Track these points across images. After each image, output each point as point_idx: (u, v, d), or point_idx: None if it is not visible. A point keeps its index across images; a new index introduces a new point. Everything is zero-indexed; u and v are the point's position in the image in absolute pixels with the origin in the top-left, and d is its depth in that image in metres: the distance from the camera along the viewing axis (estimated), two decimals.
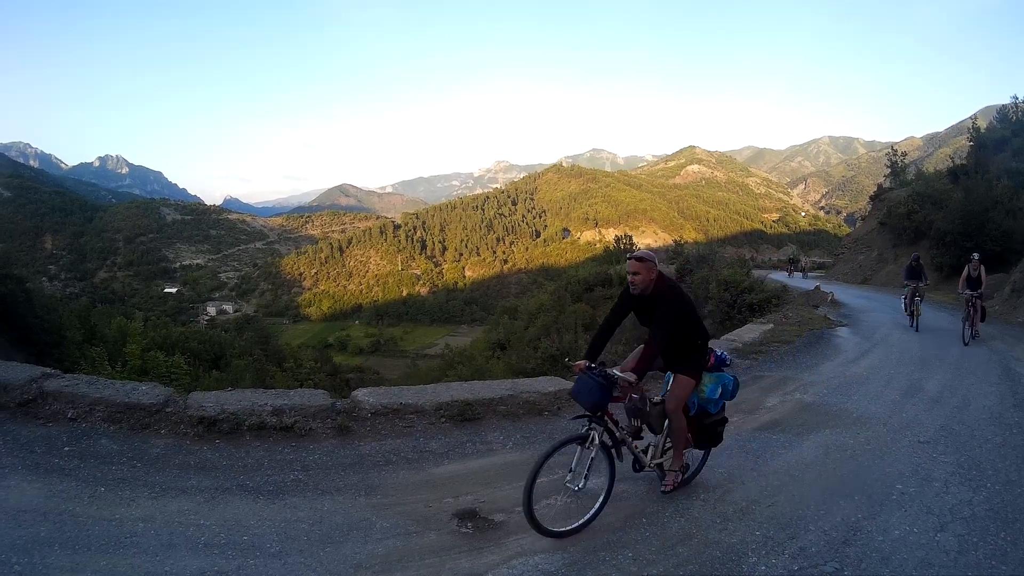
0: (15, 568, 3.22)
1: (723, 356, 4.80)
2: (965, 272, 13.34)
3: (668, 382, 4.71)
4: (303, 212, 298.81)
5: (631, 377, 4.11)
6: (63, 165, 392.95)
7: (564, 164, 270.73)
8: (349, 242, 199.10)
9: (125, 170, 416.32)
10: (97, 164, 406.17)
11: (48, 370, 5.81)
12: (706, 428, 4.71)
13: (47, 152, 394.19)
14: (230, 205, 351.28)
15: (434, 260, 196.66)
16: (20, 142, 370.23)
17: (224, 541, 3.74)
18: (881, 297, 21.99)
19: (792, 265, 37.87)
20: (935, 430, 6.53)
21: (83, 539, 3.58)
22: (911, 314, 14.77)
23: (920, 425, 6.72)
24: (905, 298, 15.29)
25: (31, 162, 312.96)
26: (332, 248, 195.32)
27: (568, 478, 4.10)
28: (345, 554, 3.71)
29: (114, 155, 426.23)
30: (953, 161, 37.35)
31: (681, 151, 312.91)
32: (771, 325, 13.47)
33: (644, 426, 4.64)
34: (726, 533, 4.15)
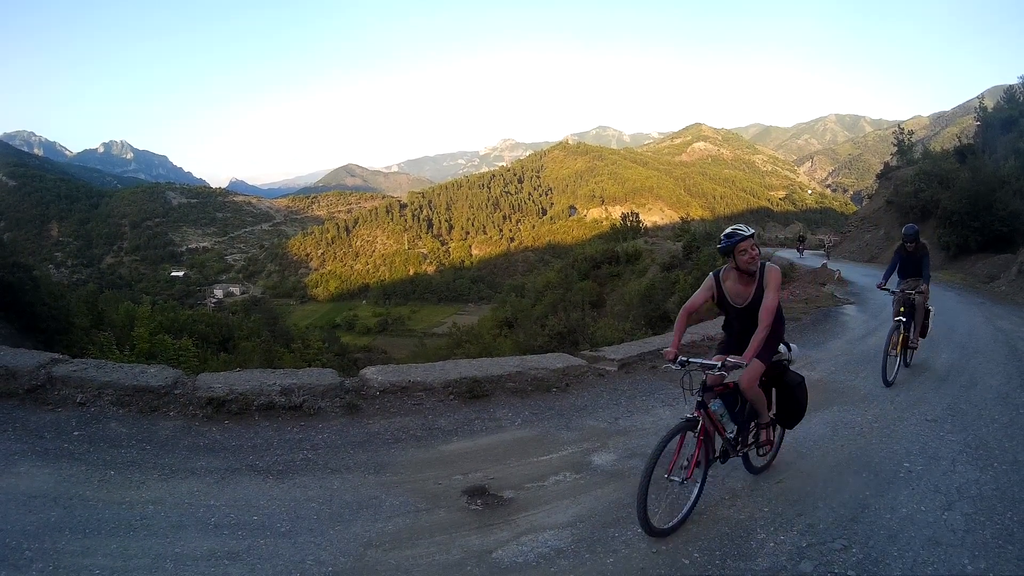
0: (27, 554, 3.24)
1: None
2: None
3: None
4: (309, 193, 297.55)
5: None
6: (68, 152, 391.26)
7: (570, 141, 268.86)
8: (355, 222, 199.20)
9: (130, 155, 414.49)
10: (101, 150, 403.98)
11: (56, 356, 5.79)
12: None
13: (51, 140, 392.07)
14: (236, 187, 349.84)
15: (440, 239, 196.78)
16: (24, 131, 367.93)
17: (234, 521, 3.76)
18: None
19: (801, 243, 37.46)
20: (942, 409, 6.51)
21: (93, 523, 3.60)
22: (887, 361, 7.41)
23: (927, 403, 6.69)
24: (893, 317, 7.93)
25: (35, 150, 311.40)
26: (338, 228, 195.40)
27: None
28: (355, 532, 3.73)
29: (119, 141, 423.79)
30: (960, 140, 36.87)
31: (687, 128, 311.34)
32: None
33: None
34: (735, 509, 4.16)
